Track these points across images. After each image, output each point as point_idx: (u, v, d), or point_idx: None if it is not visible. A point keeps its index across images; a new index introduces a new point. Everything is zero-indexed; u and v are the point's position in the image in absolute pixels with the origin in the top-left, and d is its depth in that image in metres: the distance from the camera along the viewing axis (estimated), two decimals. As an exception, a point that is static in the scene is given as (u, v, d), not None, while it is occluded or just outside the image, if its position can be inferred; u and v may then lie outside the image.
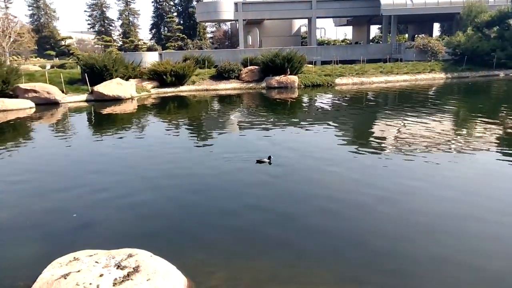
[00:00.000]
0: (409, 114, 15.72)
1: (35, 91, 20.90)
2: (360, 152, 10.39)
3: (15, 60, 44.85)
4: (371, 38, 60.70)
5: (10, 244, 5.89)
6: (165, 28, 72.66)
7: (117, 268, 4.21)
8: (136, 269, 4.17)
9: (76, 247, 5.65)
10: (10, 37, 42.88)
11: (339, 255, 5.34)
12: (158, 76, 25.66)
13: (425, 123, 13.62)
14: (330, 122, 14.91)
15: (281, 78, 26.73)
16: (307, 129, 13.65)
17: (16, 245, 5.88)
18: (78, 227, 6.38)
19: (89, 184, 8.40)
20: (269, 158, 9.32)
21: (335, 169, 8.94)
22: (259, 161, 9.30)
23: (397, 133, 12.60)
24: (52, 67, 39.44)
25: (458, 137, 11.86)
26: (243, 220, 6.44)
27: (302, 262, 5.17)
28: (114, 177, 8.89)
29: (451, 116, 15.72)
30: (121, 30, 75.06)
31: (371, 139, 12.12)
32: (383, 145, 11.16)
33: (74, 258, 4.77)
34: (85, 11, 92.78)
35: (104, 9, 75.33)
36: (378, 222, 6.27)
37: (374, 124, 14.37)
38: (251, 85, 27.24)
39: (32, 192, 8.04)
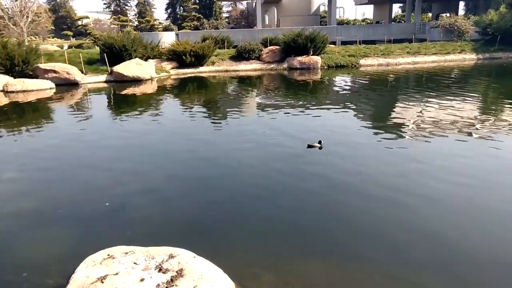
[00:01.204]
0: (440, 96, 14.85)
1: (55, 72, 20.60)
2: (398, 138, 9.71)
3: (33, 40, 44.72)
4: (392, 17, 58.39)
5: (38, 236, 5.52)
6: (181, 7, 71.45)
7: (158, 271, 3.76)
8: (179, 273, 3.72)
9: (109, 239, 5.29)
10: (27, 17, 42.61)
11: (400, 257, 4.77)
12: (177, 57, 25.04)
13: (457, 107, 12.79)
14: (357, 105, 14.20)
15: (304, 58, 25.78)
16: (334, 112, 13.00)
17: (45, 237, 5.51)
18: (110, 217, 5.98)
19: (115, 169, 8.01)
20: (320, 142, 8.82)
21: (376, 153, 8.34)
22: (310, 146, 8.80)
23: (436, 118, 11.80)
24: (69, 47, 39.19)
25: (497, 123, 11.04)
26: (285, 213, 5.91)
27: (361, 264, 4.62)
28: (141, 161, 8.45)
29: (486, 100, 14.78)
30: (136, 10, 74.15)
31: (406, 123, 11.36)
32: (421, 130, 10.42)
33: (109, 255, 4.35)
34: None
35: (120, -12, 74.31)
36: (439, 218, 5.67)
37: (405, 108, 13.55)
38: (272, 66, 26.40)
39: (57, 178, 7.65)
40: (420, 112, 12.73)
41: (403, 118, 11.95)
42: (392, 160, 8.07)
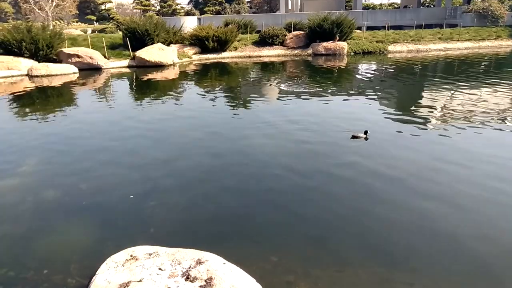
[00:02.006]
0: (475, 86, 13.97)
1: (78, 56, 20.55)
2: (430, 131, 9.08)
3: (58, 24, 45.14)
4: (421, 1, 55.85)
5: (60, 229, 5.31)
6: (203, -9, 70.58)
7: (185, 280, 3.43)
8: (209, 283, 3.38)
9: (131, 234, 5.07)
10: (52, 1, 42.94)
11: (443, 268, 4.30)
12: (199, 42, 24.63)
13: (493, 97, 11.92)
14: (387, 94, 13.52)
15: (329, 44, 24.94)
16: (362, 101, 12.37)
17: (66, 230, 5.29)
18: (134, 211, 5.68)
19: (139, 158, 7.74)
20: (366, 132, 8.27)
21: (407, 150, 7.77)
22: (354, 137, 8.29)
23: (471, 109, 11.03)
24: (93, 31, 39.34)
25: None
26: (321, 215, 5.48)
27: (400, 274, 4.19)
28: (165, 150, 8.14)
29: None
30: (158, -6, 73.74)
31: (439, 114, 10.67)
32: (454, 122, 9.73)
33: (132, 256, 4.07)
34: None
35: (142, -28, 73.83)
36: (475, 228, 5.15)
37: (437, 98, 12.76)
38: (296, 51, 25.67)
39: (80, 166, 7.42)
40: (453, 103, 11.96)
41: (435, 109, 11.24)
42: (423, 158, 7.45)
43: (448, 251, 4.54)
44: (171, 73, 20.10)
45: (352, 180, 6.51)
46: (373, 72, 19.71)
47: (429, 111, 11.14)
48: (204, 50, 24.72)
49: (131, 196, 6.06)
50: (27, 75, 19.01)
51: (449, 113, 10.76)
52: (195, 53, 24.64)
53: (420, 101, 12.91)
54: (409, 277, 4.10)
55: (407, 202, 5.72)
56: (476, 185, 6.18)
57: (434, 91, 13.83)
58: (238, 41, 26.44)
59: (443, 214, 5.36)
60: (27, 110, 12.76)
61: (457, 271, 4.21)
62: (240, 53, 25.62)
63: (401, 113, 11.18)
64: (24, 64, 19.38)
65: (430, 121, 10.03)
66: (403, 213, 5.40)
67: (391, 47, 25.97)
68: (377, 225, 5.14)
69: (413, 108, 11.88)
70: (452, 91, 13.63)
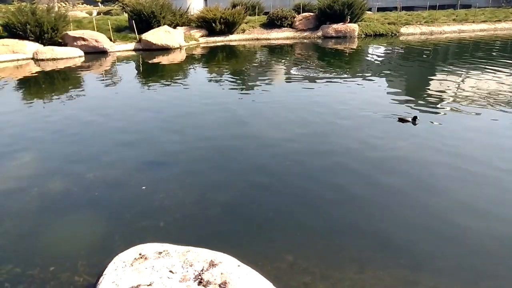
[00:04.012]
0: (497, 70, 13.43)
1: (83, 39, 20.18)
2: (448, 116, 8.72)
3: (63, 6, 44.55)
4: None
5: (67, 222, 5.12)
6: (209, -29, 69.20)
7: (198, 284, 3.22)
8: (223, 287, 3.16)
9: (140, 229, 4.88)
10: (57, -18, 42.21)
11: (475, 268, 4.06)
12: (206, 24, 24.07)
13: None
14: (400, 78, 13.04)
15: (340, 26, 24.25)
16: (373, 85, 11.96)
17: (73, 223, 5.10)
18: (145, 204, 5.46)
19: (149, 145, 7.53)
20: (414, 118, 7.98)
21: (435, 136, 7.45)
22: (401, 120, 8.01)
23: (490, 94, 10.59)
24: (98, 13, 38.80)
25: None
26: (340, 211, 5.23)
27: (426, 276, 3.95)
28: (175, 137, 7.90)
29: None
30: (164, -26, 72.37)
31: (457, 99, 10.26)
32: (470, 108, 9.34)
33: (140, 255, 3.87)
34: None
35: (147, -48, 72.41)
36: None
37: (452, 82, 12.31)
38: (305, 34, 25.03)
39: (88, 154, 7.21)
40: (471, 87, 11.50)
41: (453, 94, 10.81)
42: (449, 148, 7.17)
43: (479, 253, 4.27)
44: (178, 57, 19.71)
45: (376, 173, 6.19)
46: (385, 55, 19.12)
47: (449, 97, 10.72)
48: (211, 32, 24.19)
49: (143, 187, 5.85)
50: (32, 58, 18.74)
51: (466, 98, 10.34)
52: (202, 36, 24.13)
53: (435, 86, 12.45)
54: (436, 280, 3.85)
55: (436, 198, 5.42)
56: None
57: (452, 76, 13.34)
58: (246, 23, 25.82)
59: (477, 211, 5.06)
60: (33, 94, 12.56)
61: (489, 276, 3.95)
62: (248, 35, 25.04)
63: (420, 99, 10.79)
64: (29, 47, 19.09)
65: (451, 107, 9.64)
66: (429, 211, 5.12)
67: (403, 29, 25.20)
68: (401, 223, 4.87)
69: (428, 93, 11.45)
70: (472, 76, 13.13)
